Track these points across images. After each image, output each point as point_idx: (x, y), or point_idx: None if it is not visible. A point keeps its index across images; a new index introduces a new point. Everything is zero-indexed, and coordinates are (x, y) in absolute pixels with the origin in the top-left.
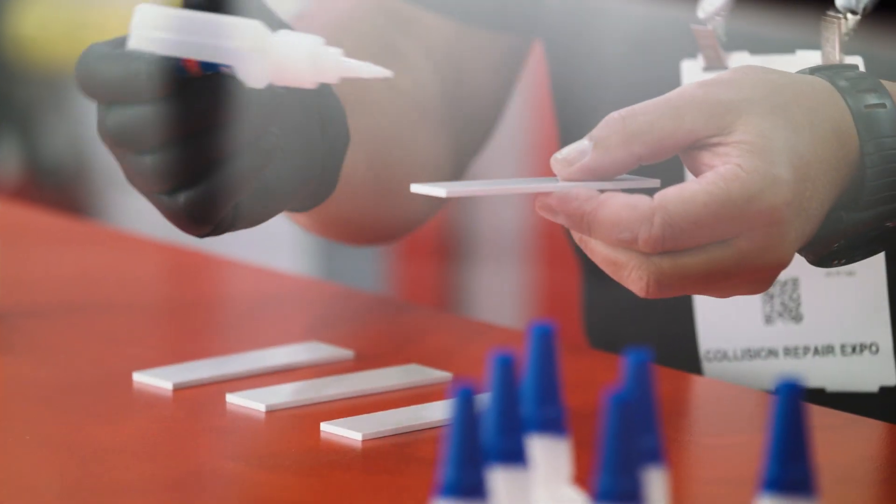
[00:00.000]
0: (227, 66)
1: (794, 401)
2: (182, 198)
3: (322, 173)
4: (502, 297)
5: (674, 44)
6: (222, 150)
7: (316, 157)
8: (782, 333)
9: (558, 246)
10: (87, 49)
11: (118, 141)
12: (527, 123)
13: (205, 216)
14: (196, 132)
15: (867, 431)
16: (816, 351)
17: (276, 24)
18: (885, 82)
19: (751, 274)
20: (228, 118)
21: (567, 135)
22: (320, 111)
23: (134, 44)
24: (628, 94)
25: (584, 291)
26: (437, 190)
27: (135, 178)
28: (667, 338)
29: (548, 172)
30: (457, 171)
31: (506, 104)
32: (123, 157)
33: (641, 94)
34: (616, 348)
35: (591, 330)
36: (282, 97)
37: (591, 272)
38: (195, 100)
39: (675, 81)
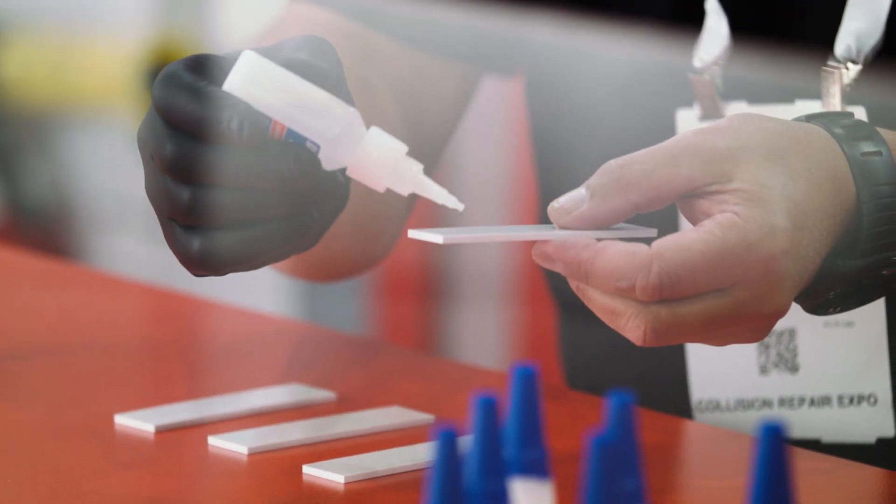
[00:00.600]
0: (314, 145)
1: (776, 443)
2: (197, 243)
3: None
4: (484, 338)
5: (663, 90)
6: (261, 212)
7: (321, 227)
8: (778, 384)
9: (540, 288)
10: (171, 72)
11: (169, 165)
12: (505, 165)
13: (212, 265)
14: (249, 188)
15: (857, 476)
16: (812, 402)
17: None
18: (880, 130)
19: (748, 322)
20: (283, 186)
21: (546, 178)
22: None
23: (230, 88)
24: (616, 140)
25: (561, 334)
26: (434, 237)
27: (159, 197)
28: (657, 387)
29: (526, 214)
30: (410, 201)
31: (455, 131)
32: (154, 169)
33: (630, 140)
34: (600, 393)
35: (571, 373)
36: (340, 186)
37: (568, 315)
38: (265, 160)
39: (667, 129)
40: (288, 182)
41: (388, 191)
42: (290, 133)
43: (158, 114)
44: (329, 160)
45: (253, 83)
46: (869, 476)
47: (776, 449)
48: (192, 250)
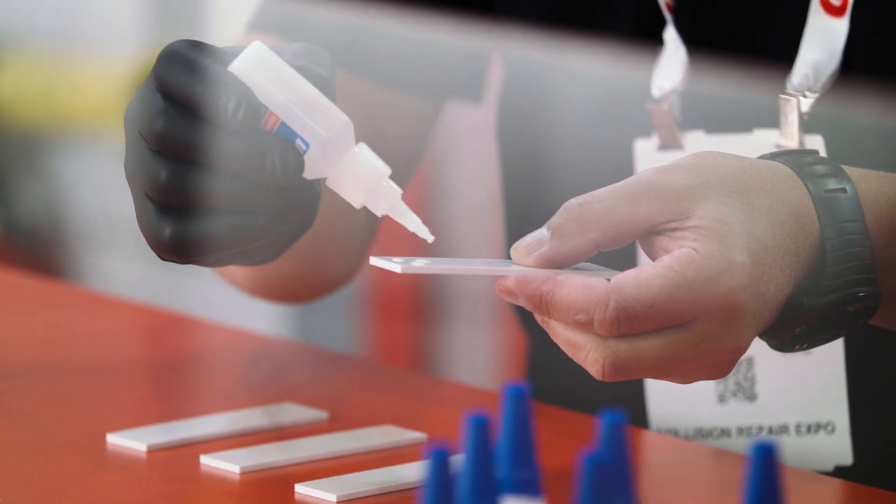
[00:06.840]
0: (304, 144)
1: (769, 463)
2: (169, 226)
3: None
4: (476, 357)
5: (621, 119)
6: (236, 202)
7: (288, 238)
8: (736, 413)
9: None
10: (176, 48)
11: (157, 138)
12: (477, 192)
13: (180, 251)
14: (230, 174)
15: (824, 489)
16: (771, 430)
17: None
18: (845, 167)
19: (708, 358)
20: (266, 182)
21: (510, 205)
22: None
23: (235, 70)
24: (574, 169)
25: (528, 358)
26: (393, 266)
27: (136, 171)
28: None
29: (489, 242)
30: (371, 224)
31: (418, 163)
32: (139, 145)
33: (588, 168)
34: None
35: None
36: (315, 198)
37: (532, 339)
38: (251, 148)
39: (625, 158)
40: (269, 175)
41: (350, 213)
42: (283, 128)
43: (158, 87)
44: (313, 167)
45: (258, 71)
46: (833, 489)
47: (769, 468)
48: (163, 233)
